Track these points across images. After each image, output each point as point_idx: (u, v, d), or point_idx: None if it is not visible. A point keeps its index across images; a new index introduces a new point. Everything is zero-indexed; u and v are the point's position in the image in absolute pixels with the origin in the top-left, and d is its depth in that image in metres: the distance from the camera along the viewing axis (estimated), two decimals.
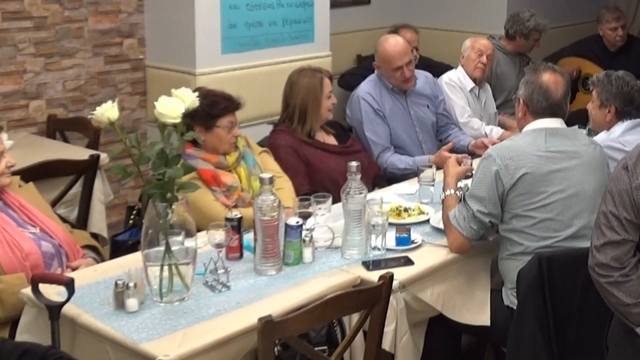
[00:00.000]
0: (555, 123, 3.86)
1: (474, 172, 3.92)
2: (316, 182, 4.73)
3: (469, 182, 4.10)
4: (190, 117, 3.52)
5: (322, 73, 4.87)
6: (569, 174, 3.75)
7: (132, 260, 3.51)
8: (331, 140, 4.99)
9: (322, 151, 4.86)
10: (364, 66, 6.90)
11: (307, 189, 4.59)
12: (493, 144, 4.70)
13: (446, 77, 6.03)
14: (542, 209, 3.70)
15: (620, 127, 4.57)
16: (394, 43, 5.41)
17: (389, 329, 3.44)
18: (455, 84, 6.03)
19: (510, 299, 3.79)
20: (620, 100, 4.58)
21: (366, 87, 5.43)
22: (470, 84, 6.09)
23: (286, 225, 3.59)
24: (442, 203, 3.99)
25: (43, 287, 3.19)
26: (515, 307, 3.67)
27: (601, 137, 4.58)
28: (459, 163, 4.14)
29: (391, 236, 3.82)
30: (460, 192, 3.98)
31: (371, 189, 4.72)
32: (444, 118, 5.67)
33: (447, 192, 3.96)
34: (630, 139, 4.40)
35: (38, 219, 3.83)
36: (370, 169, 4.99)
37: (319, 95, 4.81)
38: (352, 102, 5.45)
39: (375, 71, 5.51)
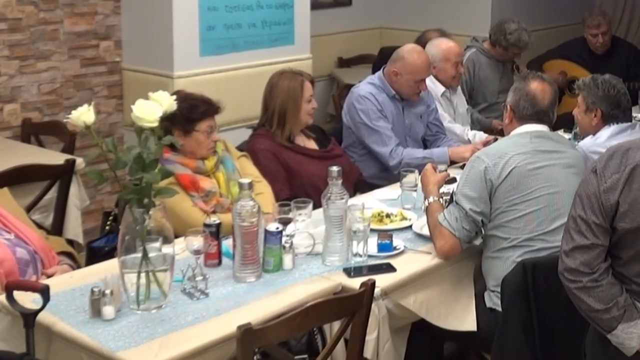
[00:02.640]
0: (541, 128, 3.95)
1: (461, 174, 3.92)
2: (296, 187, 4.69)
3: (450, 187, 4.14)
4: (169, 121, 3.52)
5: (303, 76, 4.82)
6: (553, 171, 3.83)
7: (108, 267, 3.48)
8: (311, 144, 4.94)
9: (302, 156, 4.81)
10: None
11: (287, 194, 4.54)
12: (485, 144, 4.82)
13: None
14: (527, 203, 3.75)
15: (606, 132, 4.54)
16: (424, 55, 5.39)
17: (370, 337, 3.41)
18: (428, 90, 5.94)
19: (493, 300, 3.79)
20: (607, 103, 4.56)
21: (367, 88, 5.36)
22: (441, 89, 6.00)
23: (266, 231, 3.56)
24: (425, 211, 3.98)
25: (18, 295, 3.15)
26: (497, 308, 3.68)
27: (587, 143, 4.56)
28: (435, 170, 4.14)
29: (373, 242, 3.79)
30: (444, 198, 3.99)
31: (352, 194, 4.67)
32: (434, 127, 5.62)
33: (431, 199, 3.94)
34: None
35: (13, 224, 3.78)
36: (352, 173, 4.96)
37: (298, 99, 4.76)
38: (352, 100, 5.35)
39: (378, 75, 5.44)
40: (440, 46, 5.94)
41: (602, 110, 4.56)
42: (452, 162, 5.15)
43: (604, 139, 4.48)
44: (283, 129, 4.77)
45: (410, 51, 5.37)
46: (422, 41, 6.32)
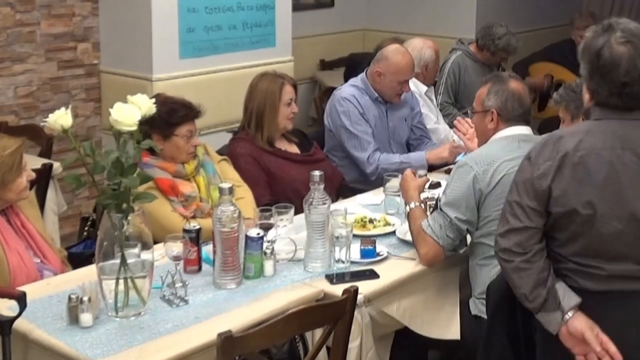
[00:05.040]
0: (526, 130, 3.93)
1: (448, 180, 3.89)
2: (278, 192, 4.66)
3: (435, 192, 4.12)
4: (148, 125, 3.49)
5: (285, 79, 4.78)
6: None
7: (86, 274, 3.46)
8: (293, 148, 4.91)
9: (284, 160, 4.77)
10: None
11: (268, 199, 4.51)
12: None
13: None
14: None
15: None
16: (409, 56, 5.36)
17: (353, 344, 3.39)
18: (414, 92, 5.91)
19: (478, 307, 3.77)
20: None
21: (350, 90, 5.34)
22: (423, 88, 6.00)
23: (246, 237, 3.54)
24: (406, 217, 3.94)
25: None
26: (483, 315, 3.66)
27: None
28: (414, 175, 4.12)
29: (356, 248, 3.76)
30: (428, 204, 3.97)
31: (335, 199, 4.66)
32: (418, 130, 5.60)
33: (412, 205, 3.91)
34: None
35: (39, 248, 3.78)
36: (334, 178, 4.93)
37: (276, 102, 4.72)
38: (333, 102, 5.33)
39: (361, 77, 5.41)
40: (430, 45, 5.99)
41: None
42: (431, 166, 5.11)
43: None
44: (262, 132, 4.73)
45: (394, 51, 5.34)
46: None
